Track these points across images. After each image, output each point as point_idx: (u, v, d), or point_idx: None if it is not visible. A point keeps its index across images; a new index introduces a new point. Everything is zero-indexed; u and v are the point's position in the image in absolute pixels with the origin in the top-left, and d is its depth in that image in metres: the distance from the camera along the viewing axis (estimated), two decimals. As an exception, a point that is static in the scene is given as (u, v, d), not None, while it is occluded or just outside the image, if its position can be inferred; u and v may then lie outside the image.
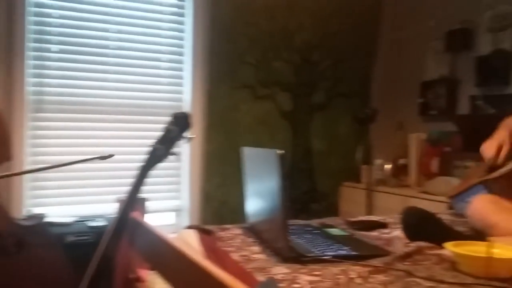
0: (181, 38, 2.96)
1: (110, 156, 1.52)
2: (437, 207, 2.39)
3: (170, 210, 2.98)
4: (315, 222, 1.73)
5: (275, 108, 3.23)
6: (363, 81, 3.52)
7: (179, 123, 1.52)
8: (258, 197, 1.43)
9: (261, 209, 1.41)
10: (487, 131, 1.90)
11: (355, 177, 3.29)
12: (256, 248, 1.36)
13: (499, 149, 1.68)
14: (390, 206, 2.81)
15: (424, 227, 1.44)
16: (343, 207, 3.33)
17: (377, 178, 3.13)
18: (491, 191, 1.62)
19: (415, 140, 3.01)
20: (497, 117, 2.00)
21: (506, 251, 1.20)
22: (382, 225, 1.72)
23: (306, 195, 3.39)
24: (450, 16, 2.94)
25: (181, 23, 2.95)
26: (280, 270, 1.14)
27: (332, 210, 3.37)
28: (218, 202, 3.03)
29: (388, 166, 3.13)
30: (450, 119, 2.90)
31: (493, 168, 1.75)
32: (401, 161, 3.12)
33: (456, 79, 2.97)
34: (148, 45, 2.87)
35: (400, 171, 3.11)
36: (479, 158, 1.91)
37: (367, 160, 3.10)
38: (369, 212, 2.92)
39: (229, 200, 3.04)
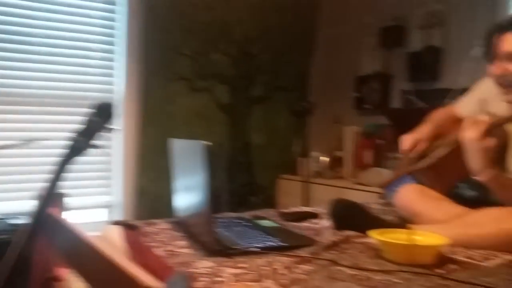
0: (113, 27, 2.84)
1: (25, 142, 1.41)
2: (369, 197, 2.46)
3: (102, 206, 2.86)
4: (247, 214, 1.71)
5: (212, 101, 3.18)
6: (301, 75, 3.55)
7: (102, 114, 1.44)
8: (186, 190, 1.39)
9: (189, 203, 1.37)
10: (418, 124, 1.96)
11: (293, 170, 3.31)
12: (182, 243, 1.32)
13: (415, 144, 1.71)
14: (326, 197, 2.82)
15: (351, 218, 1.46)
16: (281, 199, 3.35)
17: (314, 170, 3.17)
18: (418, 180, 1.66)
19: (350, 133, 3.08)
20: (427, 110, 2.07)
21: (428, 238, 1.23)
22: (314, 216, 1.73)
23: (244, 188, 3.37)
24: (383, 13, 3.02)
25: (112, 11, 2.83)
26: (204, 264, 1.11)
27: (270, 202, 3.37)
28: (154, 197, 2.94)
29: (324, 159, 3.19)
30: (383, 113, 2.99)
31: (421, 158, 1.80)
32: (337, 154, 3.18)
33: (389, 74, 3.06)
34: (77, 33, 2.73)
35: (336, 163, 3.17)
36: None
37: (304, 153, 3.13)
38: (306, 204, 2.94)
39: (165, 194, 2.93)
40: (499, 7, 2.46)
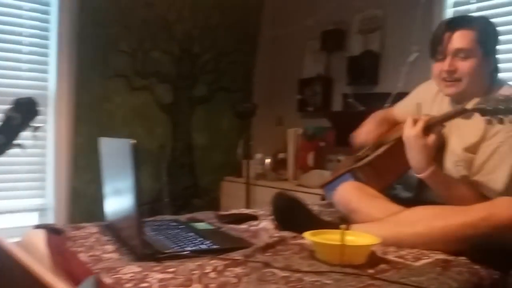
0: (45, 21, 2.68)
1: None
2: (311, 199, 2.47)
3: (33, 209, 2.69)
4: (183, 217, 1.66)
5: (153, 100, 3.09)
6: (246, 76, 3.53)
7: (23, 110, 1.34)
8: (115, 192, 1.32)
9: (118, 205, 1.30)
10: (357, 128, 1.99)
11: (237, 172, 3.28)
12: (110, 247, 1.25)
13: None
14: (269, 199, 2.84)
15: (291, 211, 1.47)
16: (224, 201, 3.30)
17: (257, 172, 3.16)
18: (357, 178, 1.68)
19: (293, 135, 3.09)
20: (366, 114, 2.11)
21: (360, 238, 1.24)
22: (253, 218, 1.70)
23: (187, 190, 3.30)
24: (325, 17, 3.05)
25: (46, 4, 2.68)
26: (130, 269, 1.05)
27: (214, 205, 3.33)
28: (89, 200, 2.81)
29: (268, 160, 3.18)
30: (325, 116, 3.02)
31: (360, 158, 1.83)
32: (281, 155, 3.18)
33: (331, 77, 3.10)
34: (6, 26, 2.56)
35: (279, 165, 3.17)
36: (350, 151, 1.99)
37: (248, 155, 3.11)
38: (248, 206, 2.92)
39: (101, 197, 2.83)
40: (435, 14, 2.55)
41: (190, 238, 1.29)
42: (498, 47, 1.55)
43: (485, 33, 1.47)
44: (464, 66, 1.45)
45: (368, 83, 2.85)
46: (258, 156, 3.18)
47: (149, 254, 1.13)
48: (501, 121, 1.18)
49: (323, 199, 2.32)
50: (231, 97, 3.39)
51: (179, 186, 3.26)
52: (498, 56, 1.56)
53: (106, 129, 2.85)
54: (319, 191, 2.39)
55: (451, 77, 1.48)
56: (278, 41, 3.40)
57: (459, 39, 1.46)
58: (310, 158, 2.99)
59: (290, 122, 3.22)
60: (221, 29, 3.35)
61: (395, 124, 1.87)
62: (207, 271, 1.04)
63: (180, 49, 3.18)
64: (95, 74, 2.84)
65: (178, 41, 3.16)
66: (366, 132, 1.90)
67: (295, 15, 3.28)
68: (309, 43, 3.20)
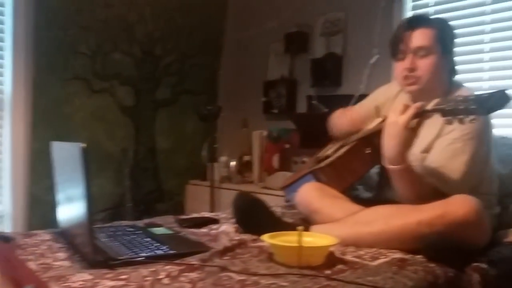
0: (2, 22, 2.59)
1: None
2: (276, 201, 2.46)
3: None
4: (141, 222, 1.62)
5: (114, 103, 3.03)
6: (210, 78, 3.50)
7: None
8: (68, 198, 1.27)
9: (71, 212, 1.26)
10: (321, 129, 1.99)
11: (202, 175, 3.25)
12: (62, 255, 1.20)
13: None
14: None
15: (252, 212, 1.45)
16: (189, 205, 3.26)
17: (223, 175, 3.13)
18: (318, 179, 1.68)
19: (258, 137, 3.08)
20: (330, 116, 2.12)
21: (318, 239, 1.23)
22: (214, 221, 1.68)
23: (150, 195, 3.25)
24: (288, 19, 3.07)
25: (0, 5, 2.58)
26: (81, 277, 1.01)
27: (178, 209, 3.28)
28: (48, 206, 2.71)
29: (233, 163, 3.16)
30: (289, 118, 3.03)
31: (320, 159, 1.83)
32: (246, 158, 3.16)
33: (295, 79, 3.11)
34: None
35: (245, 168, 3.16)
36: (315, 153, 1.99)
37: (213, 158, 3.08)
38: (213, 210, 2.89)
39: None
40: (395, 17, 2.59)
41: (146, 243, 1.26)
42: (455, 48, 1.59)
43: (443, 32, 1.51)
44: (424, 63, 1.49)
45: (331, 85, 2.88)
46: (223, 159, 3.16)
47: (101, 261, 1.09)
48: (461, 121, 1.19)
49: (287, 201, 2.32)
50: (195, 99, 3.36)
51: (142, 191, 3.20)
52: (455, 57, 1.60)
53: (64, 133, 2.77)
54: (283, 193, 2.39)
55: (412, 74, 1.50)
56: (242, 43, 3.40)
57: (419, 37, 1.49)
58: (275, 160, 2.99)
59: (255, 125, 3.22)
60: (184, 31, 3.31)
61: (353, 123, 1.88)
62: (160, 277, 1.02)
63: (142, 51, 3.12)
64: (53, 76, 2.75)
65: (139, 42, 3.11)
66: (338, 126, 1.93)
67: (259, 17, 3.28)
68: (273, 45, 3.20)
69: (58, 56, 2.77)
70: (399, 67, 1.55)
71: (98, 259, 1.09)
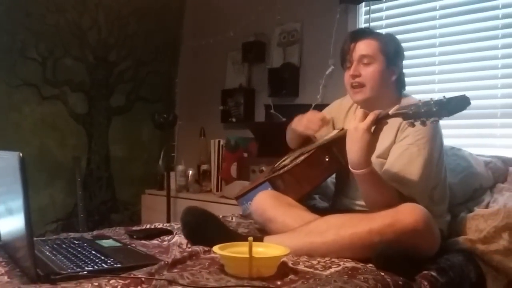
0: None
1: None
2: (233, 210, 2.44)
3: None
4: (89, 234, 1.56)
5: (66, 110, 2.93)
6: (166, 85, 3.46)
7: None
8: (8, 210, 1.20)
9: (12, 224, 1.19)
10: (279, 138, 1.99)
11: (158, 184, 3.18)
12: (0, 269, 1.14)
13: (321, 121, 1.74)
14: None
15: (202, 227, 1.42)
16: (145, 215, 3.19)
17: (180, 184, 3.08)
18: (276, 187, 1.68)
19: (216, 146, 3.05)
20: (288, 125, 2.12)
21: (270, 249, 1.22)
22: (167, 232, 1.64)
23: (104, 205, 3.15)
24: (246, 29, 3.07)
25: None
26: (18, 294, 0.95)
27: (134, 219, 3.20)
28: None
29: (191, 172, 3.11)
30: (247, 126, 3.02)
31: (277, 169, 1.83)
32: (204, 167, 3.13)
33: (253, 89, 3.12)
34: None
35: (203, 177, 3.12)
36: (273, 162, 1.99)
37: (170, 166, 3.03)
38: (169, 220, 2.84)
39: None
40: (350, 29, 2.64)
41: (92, 257, 1.21)
42: (402, 61, 1.65)
43: (387, 43, 1.60)
44: (367, 71, 1.57)
45: (288, 94, 2.89)
46: (180, 168, 3.11)
47: (42, 275, 1.03)
48: (423, 123, 1.23)
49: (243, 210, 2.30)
50: (151, 107, 3.30)
51: (96, 201, 3.10)
52: (402, 71, 1.66)
53: (12, 141, 2.64)
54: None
55: (356, 81, 1.58)
56: (200, 51, 3.37)
57: (362, 47, 1.59)
58: (234, 169, 2.97)
59: (213, 133, 3.19)
60: (139, 37, 3.26)
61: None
62: (104, 292, 0.97)
63: (95, 56, 3.05)
64: (1, 82, 2.63)
65: (92, 48, 3.03)
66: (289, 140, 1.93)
67: (216, 25, 3.27)
68: (230, 54, 3.20)
69: (6, 62, 2.65)
70: (347, 76, 1.63)
71: (39, 274, 1.03)
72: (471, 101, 1.20)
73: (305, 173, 1.65)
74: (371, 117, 1.35)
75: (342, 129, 1.72)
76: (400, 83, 1.66)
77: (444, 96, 1.19)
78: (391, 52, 1.58)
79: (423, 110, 1.21)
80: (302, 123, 1.79)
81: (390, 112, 1.31)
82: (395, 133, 1.54)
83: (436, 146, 1.53)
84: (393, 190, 1.44)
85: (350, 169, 1.41)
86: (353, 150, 1.38)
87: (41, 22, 2.78)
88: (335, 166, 1.62)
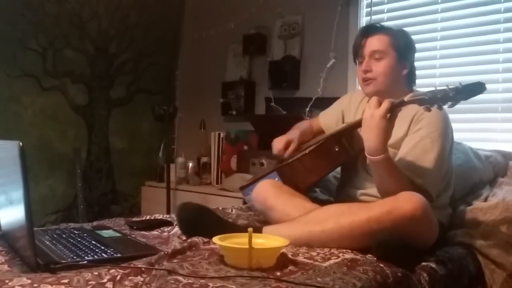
0: None
1: None
2: (233, 203, 2.44)
3: None
4: (89, 225, 1.56)
5: (66, 101, 2.92)
6: (167, 77, 3.45)
7: None
8: (8, 199, 1.20)
9: (12, 214, 1.19)
10: (279, 131, 1.99)
11: (158, 176, 3.19)
12: (1, 258, 1.14)
13: (288, 144, 1.76)
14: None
15: (199, 222, 1.41)
16: (145, 207, 3.19)
17: (180, 177, 3.09)
18: (284, 175, 1.68)
19: (216, 139, 3.05)
20: (288, 118, 2.13)
21: (270, 240, 1.22)
22: (167, 223, 1.65)
23: (104, 196, 3.16)
24: (247, 21, 3.06)
25: None
26: (19, 282, 0.95)
27: (134, 211, 3.21)
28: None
29: (190, 164, 3.12)
30: (247, 119, 3.02)
31: (283, 160, 1.83)
32: (204, 159, 3.13)
33: (253, 81, 3.11)
34: None
35: (202, 169, 3.12)
36: (272, 155, 1.99)
37: (170, 159, 3.03)
38: (169, 212, 2.84)
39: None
40: (351, 23, 2.63)
41: (91, 247, 1.21)
42: (414, 56, 1.67)
43: (398, 38, 1.61)
44: (379, 66, 1.60)
45: (289, 87, 2.89)
46: (180, 160, 3.11)
47: (43, 264, 1.04)
48: (440, 107, 1.26)
49: (244, 202, 2.30)
50: (151, 99, 3.29)
51: (96, 192, 3.11)
52: (413, 65, 1.68)
53: (12, 131, 2.64)
54: (241, 194, 2.37)
55: (367, 76, 1.61)
56: (201, 43, 3.36)
57: (373, 42, 1.61)
58: (233, 162, 2.97)
59: (213, 126, 3.19)
60: (140, 29, 3.24)
61: (318, 133, 1.91)
62: (104, 281, 0.97)
63: (95, 48, 3.04)
64: (1, 73, 2.63)
65: (93, 40, 3.02)
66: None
67: (217, 18, 3.26)
68: (231, 46, 3.19)
69: (7, 53, 2.65)
70: (359, 71, 1.65)
71: (39, 263, 1.03)
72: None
73: (314, 162, 1.66)
74: (386, 103, 1.36)
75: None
76: (411, 78, 1.68)
77: (460, 83, 1.22)
78: (402, 47, 1.60)
79: (439, 96, 1.24)
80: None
81: (406, 98, 1.34)
82: (408, 125, 1.55)
83: (449, 139, 1.55)
84: (407, 179, 1.44)
85: (367, 155, 1.42)
86: (371, 136, 1.39)
87: (41, 12, 2.77)
88: (344, 156, 1.64)
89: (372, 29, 1.65)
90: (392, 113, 1.37)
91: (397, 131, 1.51)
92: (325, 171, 1.71)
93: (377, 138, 1.38)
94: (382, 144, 1.38)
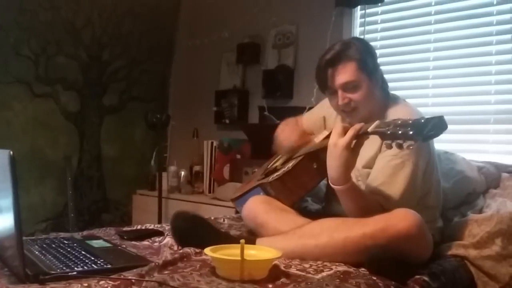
0: None
1: None
2: (225, 212, 2.43)
3: None
4: (79, 234, 1.54)
5: (58, 108, 2.91)
6: (160, 85, 3.44)
7: None
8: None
9: (0, 223, 1.17)
10: (272, 140, 1.98)
11: (150, 185, 3.16)
12: (-12, 269, 1.12)
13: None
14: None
15: (193, 231, 1.40)
16: (137, 216, 3.16)
17: (172, 185, 3.07)
18: (267, 193, 1.66)
19: (209, 147, 3.04)
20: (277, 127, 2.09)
21: (262, 252, 1.21)
22: (158, 233, 1.63)
23: (95, 205, 3.13)
24: (241, 30, 3.06)
25: None
26: (6, 294, 0.93)
27: (125, 220, 3.18)
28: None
29: (183, 173, 3.10)
30: (241, 128, 3.01)
31: (269, 171, 1.82)
32: (196, 168, 3.11)
33: (247, 90, 3.11)
34: None
35: (195, 178, 3.11)
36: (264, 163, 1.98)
37: (162, 167, 3.01)
38: (161, 221, 2.82)
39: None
40: (345, 32, 2.64)
41: (81, 257, 1.19)
42: (377, 60, 1.57)
43: (364, 58, 1.50)
44: (356, 96, 1.50)
45: (283, 96, 2.88)
46: (173, 168, 3.09)
47: (31, 275, 1.02)
48: (399, 146, 1.18)
49: (237, 212, 2.29)
50: (144, 107, 3.28)
51: (87, 200, 3.08)
52: (380, 68, 1.59)
53: (3, 138, 2.62)
54: (233, 204, 2.35)
55: (347, 108, 1.53)
56: (194, 52, 3.36)
57: (343, 74, 1.49)
58: (226, 171, 2.95)
59: (206, 134, 3.18)
60: (134, 37, 3.24)
61: (303, 133, 1.88)
62: (93, 293, 0.96)
63: (88, 55, 3.03)
64: (-9, 79, 2.62)
65: (86, 47, 3.01)
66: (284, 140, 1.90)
67: (211, 26, 3.26)
68: (225, 55, 3.19)
69: (-2, 59, 2.64)
70: (333, 101, 1.57)
71: (28, 274, 1.01)
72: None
73: (295, 179, 1.64)
74: (350, 133, 1.31)
75: (329, 135, 1.70)
76: (383, 85, 1.61)
77: (423, 117, 1.16)
78: (369, 65, 1.51)
79: (400, 132, 1.17)
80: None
81: (370, 129, 1.28)
82: (380, 143, 1.48)
83: (423, 155, 1.49)
84: (375, 203, 1.42)
85: (330, 184, 1.39)
86: (333, 166, 1.36)
87: (35, 18, 2.76)
88: (324, 171, 1.60)
89: (336, 59, 1.50)
90: (357, 141, 1.32)
91: (370, 149, 1.49)
92: (308, 187, 1.67)
93: (338, 168, 1.34)
94: (344, 174, 1.35)
